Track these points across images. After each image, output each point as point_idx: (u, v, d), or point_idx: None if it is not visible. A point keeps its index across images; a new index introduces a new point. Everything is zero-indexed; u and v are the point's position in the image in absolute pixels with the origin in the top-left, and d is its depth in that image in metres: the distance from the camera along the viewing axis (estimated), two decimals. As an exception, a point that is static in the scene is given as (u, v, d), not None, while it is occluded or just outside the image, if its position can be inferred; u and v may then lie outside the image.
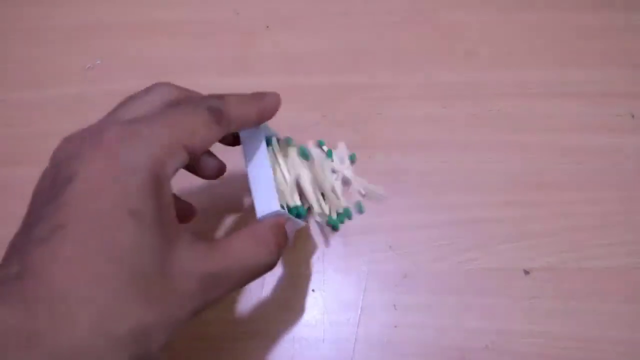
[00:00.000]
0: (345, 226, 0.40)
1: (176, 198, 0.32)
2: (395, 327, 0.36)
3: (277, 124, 0.44)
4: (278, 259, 0.29)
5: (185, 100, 0.28)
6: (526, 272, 0.38)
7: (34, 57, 0.48)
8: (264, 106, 0.30)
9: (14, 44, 0.48)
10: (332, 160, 0.41)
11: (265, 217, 0.29)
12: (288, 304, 0.37)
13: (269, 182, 0.30)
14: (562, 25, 0.48)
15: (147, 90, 0.28)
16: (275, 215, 0.29)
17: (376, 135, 0.43)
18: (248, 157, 0.31)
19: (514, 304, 0.37)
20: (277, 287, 0.38)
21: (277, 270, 0.38)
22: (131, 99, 0.27)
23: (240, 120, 0.28)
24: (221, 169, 0.33)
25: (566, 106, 0.44)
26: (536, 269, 0.38)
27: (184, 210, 0.33)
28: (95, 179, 0.23)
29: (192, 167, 0.32)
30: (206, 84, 0.45)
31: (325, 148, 0.42)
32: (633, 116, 0.44)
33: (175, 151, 0.25)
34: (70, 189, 0.23)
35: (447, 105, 0.44)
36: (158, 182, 0.24)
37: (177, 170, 0.26)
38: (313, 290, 0.38)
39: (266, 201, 0.30)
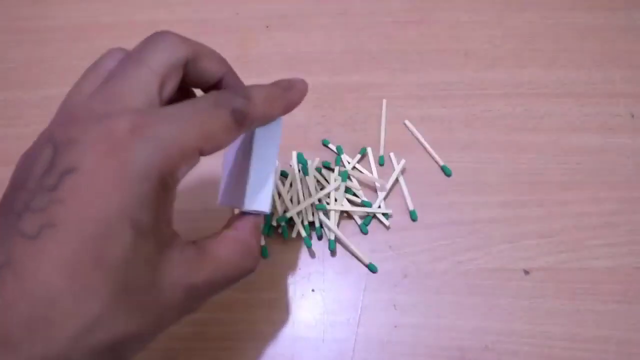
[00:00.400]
0: (345, 226, 0.40)
1: None
2: (395, 327, 0.36)
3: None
4: (258, 263, 0.28)
5: (208, 94, 0.25)
6: (526, 272, 0.38)
7: (34, 57, 0.48)
8: (291, 99, 0.28)
9: (14, 44, 0.48)
10: (341, 156, 0.41)
11: (249, 212, 0.29)
12: (288, 304, 0.37)
13: (270, 180, 0.29)
14: (562, 25, 0.48)
15: (148, 48, 0.24)
16: (258, 212, 0.29)
17: (376, 135, 0.43)
18: (257, 145, 0.29)
19: (514, 304, 0.37)
20: (277, 287, 0.38)
21: (278, 271, 0.38)
22: (131, 61, 0.24)
23: (264, 120, 0.27)
24: None
25: (566, 106, 0.44)
26: (536, 269, 0.38)
27: None
28: (99, 177, 0.21)
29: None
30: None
31: (332, 146, 0.42)
32: (633, 116, 0.44)
33: (189, 155, 0.23)
34: (69, 182, 0.20)
35: (447, 105, 0.44)
36: (165, 189, 0.22)
37: (186, 173, 0.24)
38: (313, 290, 0.38)
39: (259, 198, 0.29)
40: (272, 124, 0.29)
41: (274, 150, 0.29)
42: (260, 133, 0.29)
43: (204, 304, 0.26)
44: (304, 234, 0.38)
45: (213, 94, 0.25)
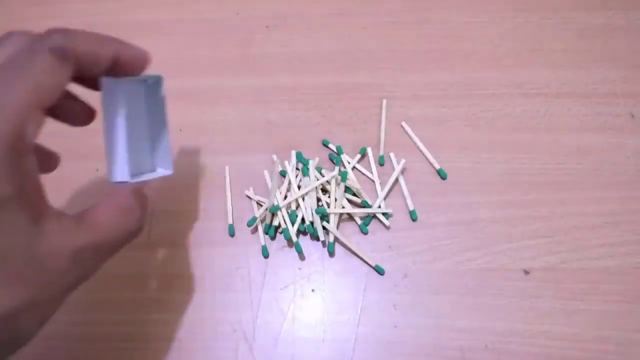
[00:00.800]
0: (346, 226, 0.40)
1: (36, 146, 0.29)
2: (395, 327, 0.36)
3: (277, 124, 0.44)
4: (144, 223, 0.29)
5: (25, 47, 0.24)
6: (526, 272, 0.38)
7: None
8: (123, 51, 0.27)
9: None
10: (341, 155, 0.41)
11: (117, 183, 0.29)
12: (287, 304, 0.37)
13: (123, 146, 0.28)
14: (562, 25, 0.48)
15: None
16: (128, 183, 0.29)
17: (376, 135, 0.43)
18: (105, 112, 0.29)
19: (514, 304, 0.37)
20: (276, 287, 0.38)
21: (277, 271, 0.38)
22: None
23: (90, 58, 0.25)
24: (90, 114, 0.31)
25: (566, 106, 0.44)
26: (536, 269, 0.38)
27: (46, 160, 0.31)
28: None
29: (55, 113, 0.29)
30: (206, 84, 0.45)
31: (332, 146, 0.42)
32: (633, 116, 0.44)
33: (29, 116, 0.22)
34: None
35: (447, 105, 0.44)
36: (18, 157, 0.22)
37: (37, 134, 0.23)
38: (313, 291, 0.38)
39: (120, 168, 0.29)
40: (115, 88, 0.28)
41: (120, 115, 0.28)
42: (105, 98, 0.28)
43: (97, 269, 0.26)
44: (294, 239, 0.38)
45: (28, 41, 0.24)
